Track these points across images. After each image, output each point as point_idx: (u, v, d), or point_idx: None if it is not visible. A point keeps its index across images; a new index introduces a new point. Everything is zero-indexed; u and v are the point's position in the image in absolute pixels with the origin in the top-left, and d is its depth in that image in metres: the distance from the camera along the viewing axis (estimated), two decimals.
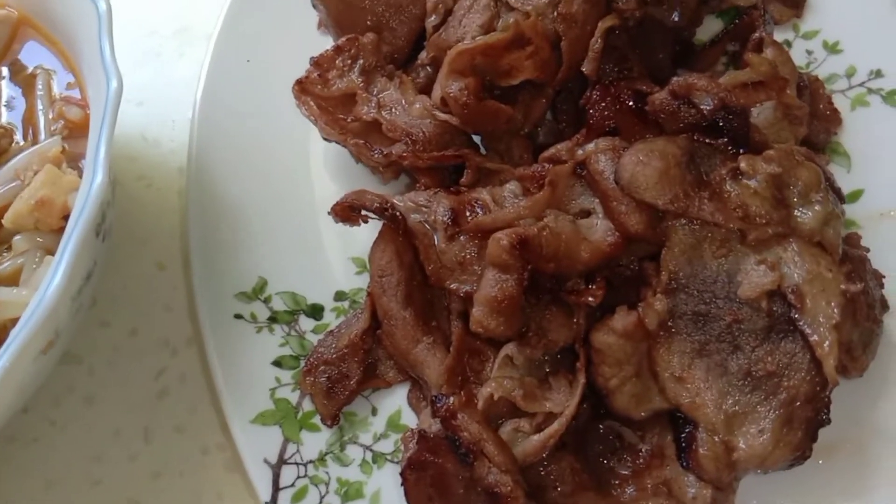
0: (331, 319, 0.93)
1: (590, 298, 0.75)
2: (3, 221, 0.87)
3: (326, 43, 1.07)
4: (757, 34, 0.91)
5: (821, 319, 0.70)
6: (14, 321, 0.84)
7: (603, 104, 0.82)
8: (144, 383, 0.99)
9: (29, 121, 0.97)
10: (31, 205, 0.84)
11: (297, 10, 1.08)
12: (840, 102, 0.94)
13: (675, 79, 0.81)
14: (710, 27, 1.01)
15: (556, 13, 0.89)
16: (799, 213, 0.75)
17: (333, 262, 0.96)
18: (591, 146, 0.81)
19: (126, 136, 1.13)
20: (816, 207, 0.75)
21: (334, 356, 0.87)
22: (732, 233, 0.75)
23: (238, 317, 0.92)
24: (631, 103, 0.82)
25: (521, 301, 0.74)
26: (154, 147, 1.13)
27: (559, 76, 0.91)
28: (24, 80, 0.99)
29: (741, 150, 0.78)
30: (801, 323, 0.71)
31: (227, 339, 0.91)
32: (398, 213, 0.81)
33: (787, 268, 0.73)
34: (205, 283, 0.93)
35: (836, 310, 0.70)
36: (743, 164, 0.75)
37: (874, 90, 0.94)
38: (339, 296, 0.94)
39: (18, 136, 0.96)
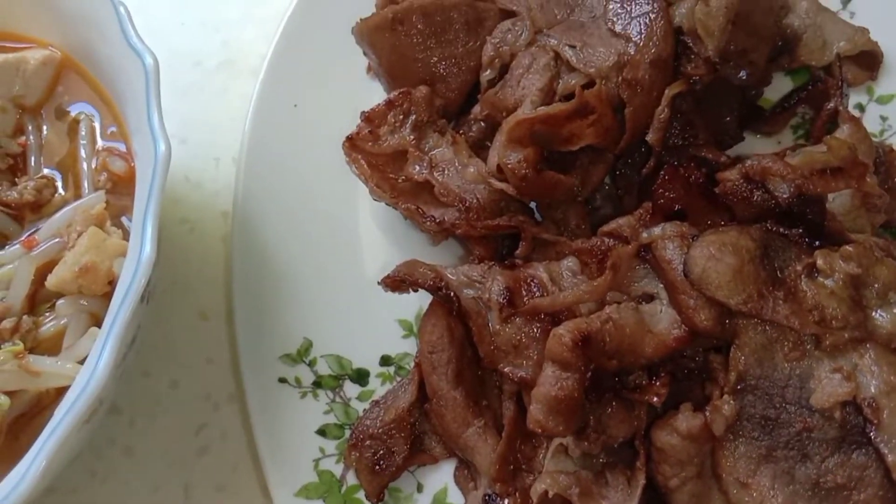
0: (376, 386, 0.91)
1: (654, 398, 0.72)
2: (46, 283, 0.85)
3: (375, 87, 1.05)
4: (831, 104, 0.86)
5: None
6: (58, 390, 0.83)
7: (671, 186, 0.78)
8: (185, 438, 0.97)
9: (71, 169, 0.95)
10: (76, 271, 0.82)
11: (344, 52, 1.04)
12: None
13: (748, 161, 0.77)
14: (779, 86, 0.96)
15: (620, 78, 0.85)
16: (877, 315, 0.71)
17: (379, 324, 0.93)
18: (657, 230, 0.77)
19: (169, 176, 1.10)
20: (895, 310, 0.71)
21: (380, 430, 0.85)
22: (807, 336, 0.71)
23: (282, 381, 0.90)
24: (701, 182, 0.78)
25: (582, 400, 0.71)
26: (197, 189, 1.10)
27: (621, 144, 0.87)
28: (67, 125, 0.97)
29: (816, 242, 0.74)
30: (876, 439, 0.67)
31: (271, 405, 0.89)
32: (452, 294, 0.79)
33: (863, 377, 0.69)
34: (249, 345, 0.91)
35: None
36: (820, 262, 0.71)
37: None
38: (385, 360, 0.92)
39: (59, 184, 0.94)
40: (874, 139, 0.92)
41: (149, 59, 0.84)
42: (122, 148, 0.93)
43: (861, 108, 0.94)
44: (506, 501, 0.71)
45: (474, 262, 0.85)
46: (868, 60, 0.94)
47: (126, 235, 0.88)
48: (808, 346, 0.71)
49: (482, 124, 0.97)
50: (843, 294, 0.71)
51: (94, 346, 0.75)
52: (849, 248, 0.72)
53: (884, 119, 0.93)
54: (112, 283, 0.84)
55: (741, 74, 0.92)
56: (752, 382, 0.72)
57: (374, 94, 1.03)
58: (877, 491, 0.68)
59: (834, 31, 0.94)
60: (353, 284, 0.95)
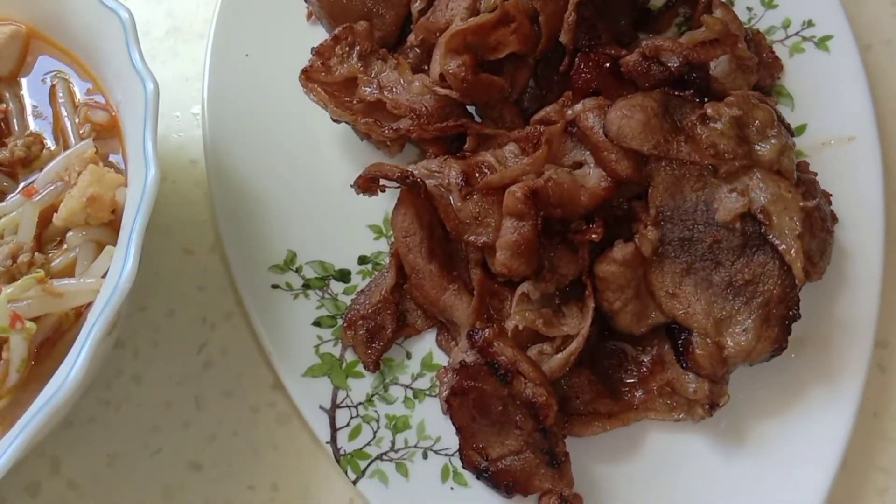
0: (358, 281, 1.04)
1: (593, 235, 0.88)
2: (53, 220, 0.95)
3: (316, 32, 1.17)
4: None
5: (786, 232, 0.84)
6: (77, 314, 0.93)
7: (585, 70, 0.94)
8: (189, 357, 1.08)
9: (56, 125, 1.04)
10: (84, 202, 0.92)
11: (284, 5, 1.17)
12: (780, 51, 1.09)
13: (644, 42, 0.94)
14: None
15: None
16: (759, 147, 0.89)
17: (352, 231, 1.06)
18: (578, 106, 0.93)
19: None
20: (773, 141, 0.89)
21: (370, 311, 0.98)
22: (706, 168, 0.88)
23: (275, 287, 1.02)
24: (608, 65, 0.94)
25: (537, 242, 0.87)
26: (164, 143, 1.21)
27: (540, 47, 1.03)
28: (47, 89, 1.06)
29: (705, 99, 0.92)
30: (770, 237, 0.85)
31: (269, 308, 1.01)
32: (418, 179, 0.93)
33: (754, 193, 0.87)
34: (240, 261, 1.03)
35: (798, 222, 0.84)
36: (709, 110, 0.89)
37: (808, 38, 1.09)
38: (363, 260, 1.05)
39: (49, 142, 1.04)
40: (744, 26, 1.11)
41: (124, 13, 0.95)
42: (101, 100, 1.03)
43: (731, 2, 1.13)
44: (486, 331, 0.85)
45: (431, 157, 0.99)
46: None
47: (118, 173, 0.98)
48: (708, 177, 0.88)
49: (417, 50, 1.11)
50: (731, 133, 0.88)
51: (116, 253, 0.86)
52: (731, 97, 0.90)
53: (749, 9, 1.13)
54: (115, 212, 0.95)
55: None
56: (669, 213, 0.89)
57: (317, 37, 1.16)
58: (776, 280, 0.86)
59: None
60: (324, 200, 1.07)
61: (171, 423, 1.05)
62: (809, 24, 1.09)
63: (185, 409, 1.05)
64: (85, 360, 0.80)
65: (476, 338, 0.86)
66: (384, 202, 1.05)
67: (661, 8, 1.12)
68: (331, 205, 1.07)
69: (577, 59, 0.95)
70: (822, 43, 1.08)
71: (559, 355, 0.88)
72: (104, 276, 0.90)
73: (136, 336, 1.09)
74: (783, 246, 0.84)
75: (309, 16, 1.18)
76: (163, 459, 1.03)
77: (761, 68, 1.05)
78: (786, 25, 1.10)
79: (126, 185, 0.94)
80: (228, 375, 1.06)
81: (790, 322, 0.87)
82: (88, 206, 0.92)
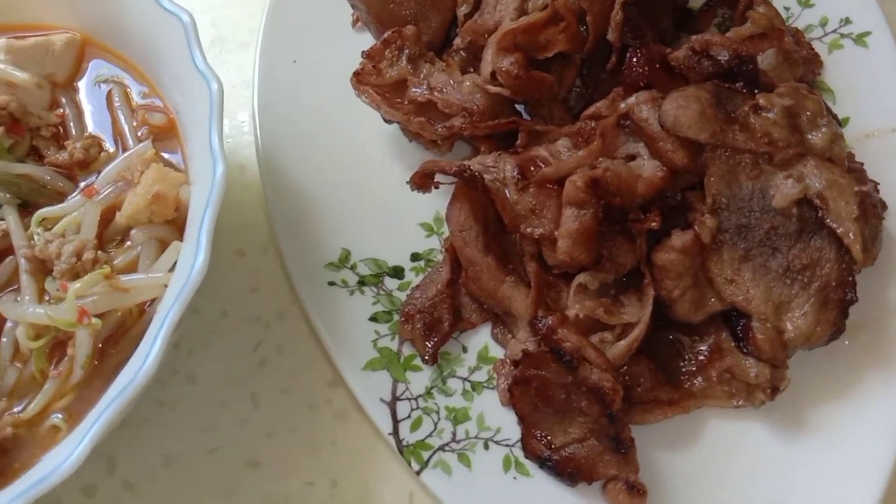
0: (411, 277, 1.05)
1: (652, 224, 0.90)
2: (116, 218, 0.97)
3: (362, 37, 1.20)
4: None
5: (843, 215, 0.86)
6: (140, 310, 0.94)
7: (637, 65, 0.96)
8: (244, 356, 1.08)
9: (114, 129, 1.06)
10: (149, 199, 0.94)
11: (330, 12, 1.20)
12: (818, 48, 1.11)
13: (693, 38, 0.96)
14: None
15: None
16: (811, 136, 0.91)
17: (404, 230, 1.08)
18: (632, 99, 0.95)
19: None
20: (823, 130, 0.91)
21: (426, 305, 0.99)
22: (761, 157, 0.90)
23: (331, 284, 1.04)
24: (660, 59, 0.96)
25: (597, 231, 0.88)
26: None
27: (587, 46, 1.05)
28: (103, 94, 1.08)
29: (755, 91, 0.94)
30: (828, 221, 0.87)
31: (326, 305, 1.02)
32: (476, 173, 0.94)
33: (808, 179, 0.89)
34: (295, 260, 1.04)
35: (854, 206, 0.86)
36: (761, 101, 0.91)
37: (846, 35, 1.11)
38: (415, 257, 1.06)
39: (107, 145, 1.05)
40: None
41: (186, 17, 0.98)
42: (159, 103, 1.06)
43: (767, 3, 1.16)
44: (549, 319, 0.87)
45: (485, 153, 1.01)
46: None
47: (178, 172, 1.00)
48: (763, 165, 0.90)
49: (463, 54, 1.13)
50: (783, 122, 0.90)
51: (186, 246, 0.88)
52: (781, 88, 0.92)
53: (787, 9, 1.15)
54: (178, 210, 0.96)
55: None
56: (725, 201, 0.91)
57: (363, 42, 1.18)
58: (834, 264, 0.88)
59: None
60: (375, 200, 1.09)
61: (229, 421, 1.05)
62: (847, 21, 1.12)
63: (241, 408, 1.06)
64: (159, 350, 0.82)
65: (540, 325, 0.87)
66: (435, 201, 1.07)
67: (701, 8, 1.15)
68: (382, 204, 1.09)
69: (628, 55, 0.97)
70: (860, 39, 1.10)
71: (622, 342, 0.89)
72: (170, 271, 0.92)
73: (189, 337, 1.10)
74: (841, 229, 0.86)
75: (355, 22, 1.21)
76: (220, 458, 1.04)
77: (803, 66, 1.07)
78: (823, 23, 1.13)
79: (188, 184, 0.96)
80: (284, 373, 1.07)
81: (847, 305, 0.88)
82: (153, 203, 0.94)
